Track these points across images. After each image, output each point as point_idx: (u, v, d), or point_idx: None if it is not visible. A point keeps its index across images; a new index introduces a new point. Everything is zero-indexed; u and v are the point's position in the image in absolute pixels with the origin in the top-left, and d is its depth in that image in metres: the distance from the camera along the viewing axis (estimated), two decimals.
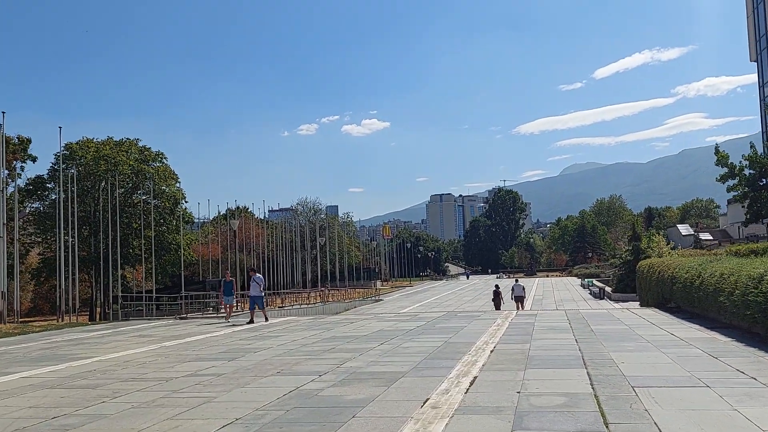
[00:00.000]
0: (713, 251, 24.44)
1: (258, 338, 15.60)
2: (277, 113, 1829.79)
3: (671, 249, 50.25)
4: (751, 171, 26.85)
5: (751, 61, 61.18)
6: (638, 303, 35.20)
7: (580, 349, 10.95)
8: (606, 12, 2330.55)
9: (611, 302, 40.73)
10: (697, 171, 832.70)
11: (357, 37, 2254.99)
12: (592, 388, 7.45)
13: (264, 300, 22.52)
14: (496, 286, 37.83)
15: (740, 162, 28.72)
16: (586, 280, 62.10)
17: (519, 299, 34.51)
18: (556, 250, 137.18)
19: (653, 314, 17.83)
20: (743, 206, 28.03)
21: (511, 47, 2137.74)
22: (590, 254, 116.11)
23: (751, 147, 29.72)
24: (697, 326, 14.04)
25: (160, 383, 9.29)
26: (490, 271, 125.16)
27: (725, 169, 28.44)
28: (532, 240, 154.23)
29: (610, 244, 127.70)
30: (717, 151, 29.43)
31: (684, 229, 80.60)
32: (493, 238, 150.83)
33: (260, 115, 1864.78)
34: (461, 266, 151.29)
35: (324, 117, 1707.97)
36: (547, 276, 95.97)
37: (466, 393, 7.49)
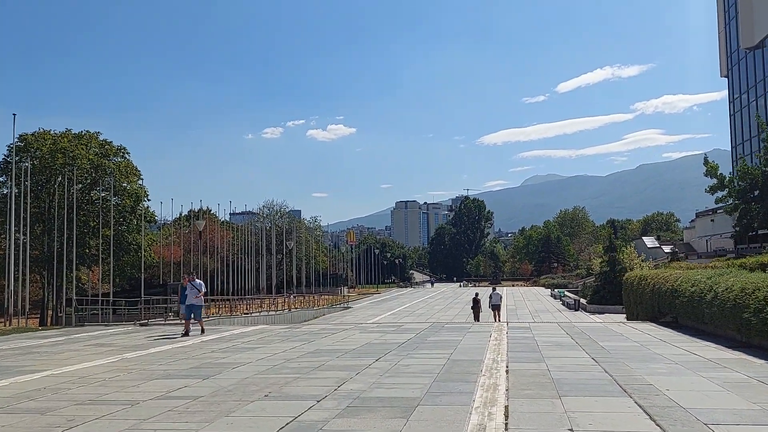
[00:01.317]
0: (705, 265, 23.75)
1: (232, 350, 14.02)
2: (242, 115, 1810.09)
3: (642, 261, 50.08)
4: (741, 183, 26.33)
5: (721, 76, 61.83)
6: (623, 316, 34.62)
7: (606, 371, 9.73)
8: (570, 28, 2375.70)
9: (588, 314, 40.07)
10: (654, 185, 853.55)
11: (325, 42, 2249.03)
12: (658, 426, 6.19)
13: (203, 309, 19.60)
14: (476, 294, 37.53)
15: (730, 173, 28.32)
16: (556, 290, 61.64)
17: (496, 307, 34.82)
18: (520, 260, 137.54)
19: (653, 329, 16.81)
20: (733, 219, 27.50)
21: (476, 59, 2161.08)
22: (555, 264, 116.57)
23: (705, 163, 29.40)
24: (714, 344, 13.00)
25: (125, 408, 7.73)
26: (455, 279, 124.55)
27: (714, 180, 27.94)
28: (496, 249, 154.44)
29: (573, 255, 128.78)
30: (706, 162, 28.91)
31: (649, 241, 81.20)
32: (458, 246, 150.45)
33: (225, 117, 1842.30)
34: (426, 273, 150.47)
35: (289, 121, 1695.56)
36: (513, 285, 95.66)
37: (506, 431, 6.16)
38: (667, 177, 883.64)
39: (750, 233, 26.94)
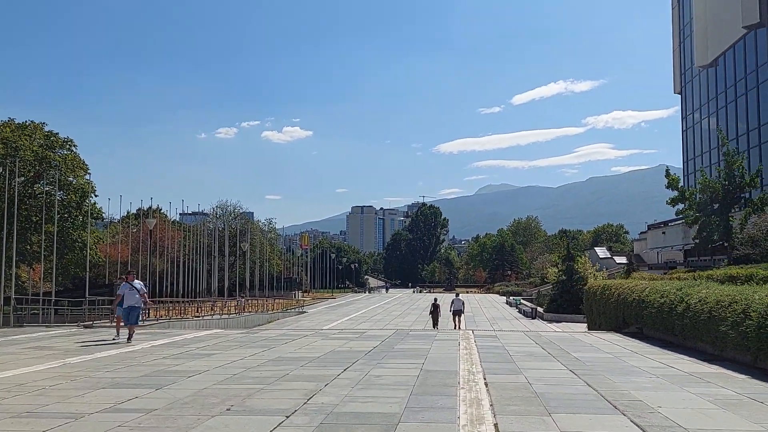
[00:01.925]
0: (670, 276, 23.85)
1: (186, 357, 13.08)
2: (195, 114, 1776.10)
3: (596, 271, 50.62)
4: (702, 196, 26.63)
5: (675, 92, 63.30)
6: (581, 325, 34.70)
7: (589, 385, 9.25)
8: (526, 41, 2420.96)
9: (545, 322, 40.08)
10: (602, 198, 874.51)
11: (284, 44, 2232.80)
12: None
13: (140, 314, 17.35)
14: (435, 299, 37.15)
15: (690, 186, 28.67)
16: (512, 298, 61.82)
17: (457, 313, 34.82)
18: (474, 267, 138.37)
19: (621, 340, 16.55)
20: (693, 231, 27.75)
21: (434, 69, 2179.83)
22: (509, 272, 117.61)
23: (666, 175, 29.88)
24: (686, 357, 12.72)
25: (68, 422, 6.84)
26: (410, 284, 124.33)
27: (674, 193, 28.17)
28: (450, 256, 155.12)
29: (526, 263, 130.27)
30: (668, 174, 29.20)
31: (601, 251, 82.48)
32: (414, 252, 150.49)
33: (177, 114, 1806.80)
34: (381, 279, 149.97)
35: (244, 121, 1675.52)
36: (467, 291, 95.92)
37: None
38: (615, 190, 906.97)
39: (710, 245, 27.27)
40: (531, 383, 9.36)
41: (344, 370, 10.81)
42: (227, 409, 7.53)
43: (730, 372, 10.72)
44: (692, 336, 13.69)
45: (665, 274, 25.95)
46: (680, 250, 57.54)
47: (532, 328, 33.68)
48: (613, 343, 15.60)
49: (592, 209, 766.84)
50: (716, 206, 26.15)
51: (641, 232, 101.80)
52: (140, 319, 17.57)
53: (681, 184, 28.41)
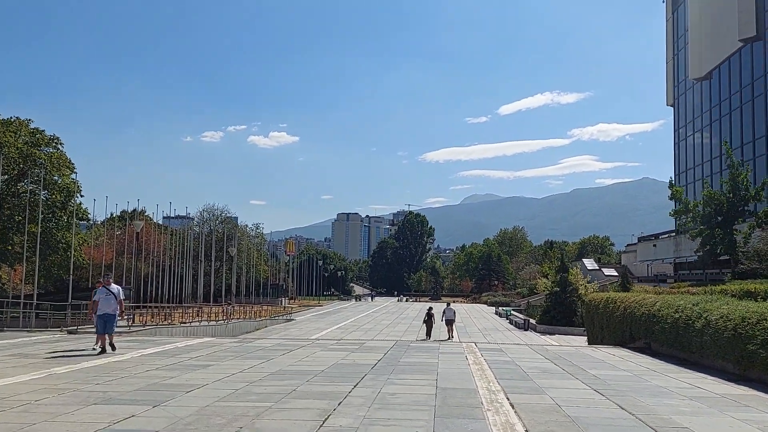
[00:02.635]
0: (680, 290, 23.37)
1: (180, 368, 12.27)
2: (181, 117, 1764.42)
3: (587, 282, 50.20)
4: (707, 209, 26.23)
5: (668, 105, 63.32)
6: (576, 337, 34.24)
7: (622, 407, 8.60)
8: (514, 52, 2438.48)
9: (538, 334, 39.54)
10: (585, 210, 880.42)
11: (271, 48, 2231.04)
12: None
13: (116, 322, 15.20)
14: (429, 308, 37.28)
15: (694, 199, 28.31)
16: (501, 308, 61.30)
17: (450, 322, 35.32)
18: (460, 276, 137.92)
19: (631, 356, 15.95)
20: (696, 244, 27.34)
21: (423, 77, 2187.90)
22: (495, 282, 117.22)
23: (670, 186, 29.43)
24: (709, 376, 12.12)
25: None
26: (395, 293, 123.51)
27: (677, 204, 27.80)
28: (436, 265, 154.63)
29: (512, 273, 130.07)
30: (671, 185, 28.85)
31: (589, 263, 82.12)
32: (400, 260, 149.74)
33: (163, 117, 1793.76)
34: (366, 287, 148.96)
35: (230, 125, 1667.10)
36: (454, 301, 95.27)
37: None
38: (599, 202, 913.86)
39: (713, 259, 26.92)
40: (560, 405, 8.69)
41: (354, 386, 10.08)
42: None
43: (762, 394, 10.14)
44: (712, 354, 13.11)
45: (672, 288, 25.45)
46: (671, 263, 57.40)
47: (527, 341, 33.15)
48: (625, 360, 14.99)
49: (575, 221, 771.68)
50: (720, 219, 25.79)
51: (628, 245, 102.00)
52: (116, 326, 15.37)
53: (685, 195, 28.09)
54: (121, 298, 15.13)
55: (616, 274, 77.89)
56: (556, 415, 8.03)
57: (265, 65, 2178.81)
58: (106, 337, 14.80)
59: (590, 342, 24.16)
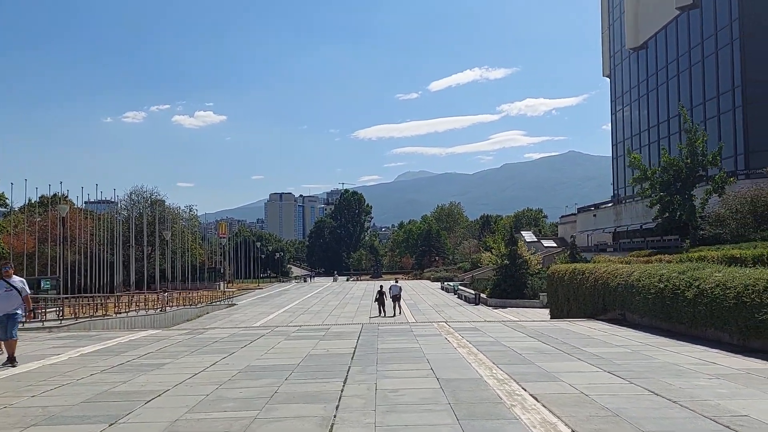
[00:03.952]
0: (649, 258, 23.07)
1: (131, 369, 10.61)
2: (100, 97, 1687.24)
3: (531, 254, 50.34)
4: (665, 175, 26.00)
5: (603, 75, 63.90)
6: (528, 309, 33.96)
7: (656, 393, 7.64)
8: (443, 28, 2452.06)
9: (490, 308, 39.17)
10: (515, 184, 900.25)
11: (196, 25, 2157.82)
12: None
13: (17, 324, 11.67)
14: (381, 287, 39.03)
15: (652, 166, 28.09)
16: (448, 284, 60.97)
17: (396, 298, 37.08)
18: (400, 253, 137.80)
19: (611, 328, 15.25)
20: (654, 210, 27.18)
21: (352, 53, 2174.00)
22: (436, 258, 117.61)
23: (628, 154, 29.18)
24: (711, 349, 11.41)
25: None
26: (335, 272, 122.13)
27: (637, 172, 27.54)
28: (375, 243, 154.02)
29: (450, 248, 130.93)
30: (629, 153, 28.54)
31: (528, 235, 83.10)
32: (338, 240, 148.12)
33: (80, 98, 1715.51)
34: (304, 268, 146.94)
35: (153, 105, 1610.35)
36: (396, 279, 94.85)
37: None
38: (528, 176, 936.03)
39: (674, 225, 26.83)
40: (587, 394, 7.65)
41: (344, 383, 8.76)
42: None
43: None
44: (705, 324, 12.47)
45: (634, 256, 25.12)
46: (610, 232, 58.35)
47: (486, 316, 32.66)
48: (610, 334, 14.24)
49: (506, 195, 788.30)
50: (679, 185, 25.66)
51: (562, 216, 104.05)
52: (18, 327, 11.82)
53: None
54: (27, 293, 11.77)
55: (555, 245, 79.21)
56: (591, 407, 6.96)
57: (189, 42, 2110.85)
58: (7, 344, 11.47)
59: (553, 315, 23.61)
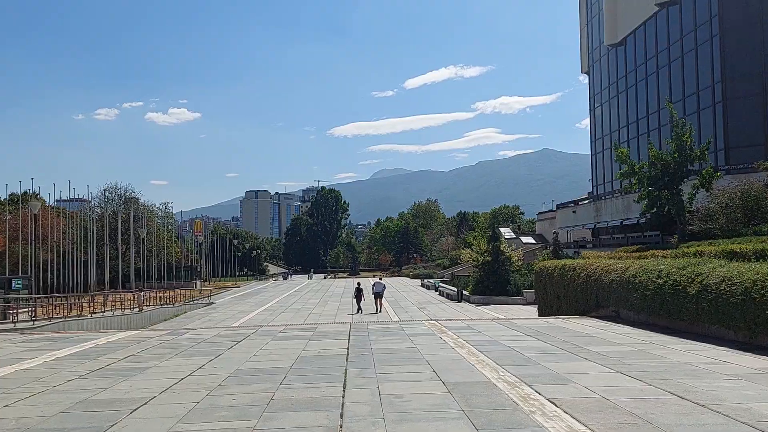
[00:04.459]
0: (634, 255, 22.77)
1: (112, 374, 9.91)
2: (71, 93, 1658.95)
3: (512, 251, 50.10)
4: (653, 170, 25.76)
5: (582, 72, 63.94)
6: (512, 307, 33.70)
7: (682, 397, 7.20)
8: (418, 26, 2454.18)
9: (473, 305, 38.78)
10: (490, 181, 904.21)
11: (169, 20, 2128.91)
12: None
13: None
14: (358, 283, 39.46)
15: (640, 161, 27.86)
16: (428, 281, 60.52)
17: (378, 295, 36.95)
18: (377, 251, 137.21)
19: (608, 326, 14.89)
20: (641, 206, 26.94)
21: (327, 51, 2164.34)
22: (414, 255, 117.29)
23: (615, 149, 28.88)
24: (717, 346, 11.06)
25: None
26: (312, 270, 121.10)
27: (624, 167, 27.27)
28: (353, 240, 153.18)
29: (428, 245, 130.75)
30: (617, 148, 28.26)
31: (506, 232, 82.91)
32: (315, 237, 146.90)
33: (50, 94, 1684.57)
34: (281, 265, 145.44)
35: (126, 102, 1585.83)
36: (374, 276, 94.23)
37: None
38: (503, 173, 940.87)
39: (663, 220, 26.63)
40: (607, 398, 7.18)
41: (343, 388, 8.19)
42: None
43: None
44: (709, 321, 12.13)
45: (621, 252, 24.83)
46: (590, 228, 58.41)
47: (468, 313, 32.26)
48: (608, 331, 13.86)
49: (481, 192, 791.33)
50: (667, 180, 25.46)
51: (540, 213, 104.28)
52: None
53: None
54: None
55: (534, 242, 79.25)
56: (617, 414, 6.48)
57: (162, 38, 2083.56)
58: None
59: (542, 312, 23.28)
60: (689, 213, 25.91)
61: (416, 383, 8.38)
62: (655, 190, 25.73)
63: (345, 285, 66.49)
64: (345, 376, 8.99)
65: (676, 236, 25.88)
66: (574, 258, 37.94)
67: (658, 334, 13.00)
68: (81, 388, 8.84)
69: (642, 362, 9.65)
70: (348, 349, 11.98)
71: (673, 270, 13.67)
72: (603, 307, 17.53)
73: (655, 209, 26.19)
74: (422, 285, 62.31)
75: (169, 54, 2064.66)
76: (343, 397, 7.62)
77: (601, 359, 10.00)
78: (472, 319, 22.07)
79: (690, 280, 12.79)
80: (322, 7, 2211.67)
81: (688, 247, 20.82)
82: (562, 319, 17.30)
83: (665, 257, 17.72)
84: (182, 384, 8.89)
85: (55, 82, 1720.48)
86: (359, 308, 35.48)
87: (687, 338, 12.18)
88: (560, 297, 20.88)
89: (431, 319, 19.69)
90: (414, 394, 7.68)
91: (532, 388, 7.85)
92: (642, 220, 37.13)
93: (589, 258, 22.11)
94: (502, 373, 8.89)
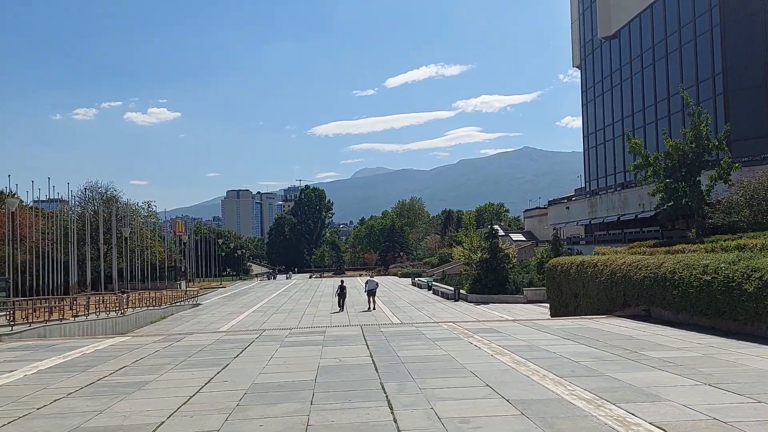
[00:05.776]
0: (630, 249, 21.76)
1: (105, 392, 8.46)
2: (49, 93, 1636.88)
3: (506, 248, 49.06)
4: (669, 162, 24.69)
5: (574, 66, 63.08)
6: (510, 305, 32.59)
7: None
8: (399, 24, 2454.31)
9: (472, 304, 37.55)
10: (472, 179, 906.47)
11: (148, 19, 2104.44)
12: None
13: None
14: (342, 281, 39.91)
15: (654, 152, 26.77)
16: (419, 279, 59.23)
17: (371, 293, 37.06)
18: (362, 249, 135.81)
19: (643, 326, 13.70)
20: (660, 199, 25.79)
21: (308, 49, 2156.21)
22: (401, 253, 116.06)
23: (628, 140, 27.89)
24: None
25: None
26: (296, 270, 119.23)
27: (638, 159, 26.17)
28: (337, 239, 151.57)
29: (413, 244, 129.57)
30: (629, 139, 27.13)
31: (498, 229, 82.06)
32: (299, 236, 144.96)
33: (26, 93, 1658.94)
34: (264, 265, 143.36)
35: (105, 102, 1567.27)
36: (360, 275, 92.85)
37: None
38: (484, 172, 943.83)
39: (679, 214, 25.55)
40: (722, 420, 5.91)
41: (389, 408, 6.83)
42: None
43: None
44: None
45: (635, 246, 23.46)
46: (584, 225, 57.56)
47: (470, 313, 31.05)
48: (651, 333, 12.66)
49: (462, 190, 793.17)
50: (684, 171, 24.43)
51: (526, 210, 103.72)
52: None
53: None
54: None
55: (524, 239, 78.49)
56: None
57: (141, 37, 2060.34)
58: None
59: (555, 312, 22.04)
60: (707, 205, 24.91)
61: (475, 401, 7.05)
62: (672, 182, 24.67)
63: (333, 284, 65.10)
64: (384, 392, 7.64)
65: (694, 230, 24.86)
66: (571, 254, 37.02)
67: (709, 336, 11.81)
68: (71, 410, 7.40)
69: (720, 370, 8.43)
70: (372, 356, 10.62)
71: (722, 265, 12.49)
72: (631, 306, 16.35)
73: (672, 202, 25.13)
74: (413, 284, 61.04)
75: (149, 53, 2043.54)
76: (396, 421, 6.27)
77: (671, 367, 8.76)
78: (489, 321, 20.80)
79: (745, 276, 11.61)
80: (302, 5, 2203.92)
81: (713, 242, 19.69)
82: (589, 319, 16.08)
83: (695, 252, 16.57)
84: (192, 404, 7.48)
85: (31, 82, 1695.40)
86: (341, 307, 36.21)
87: (746, 340, 11.00)
88: (578, 295, 19.68)
89: (447, 321, 18.36)
90: (480, 417, 6.35)
91: (618, 407, 6.56)
92: (647, 214, 36.15)
93: (605, 254, 20.92)
94: (570, 387, 7.59)
